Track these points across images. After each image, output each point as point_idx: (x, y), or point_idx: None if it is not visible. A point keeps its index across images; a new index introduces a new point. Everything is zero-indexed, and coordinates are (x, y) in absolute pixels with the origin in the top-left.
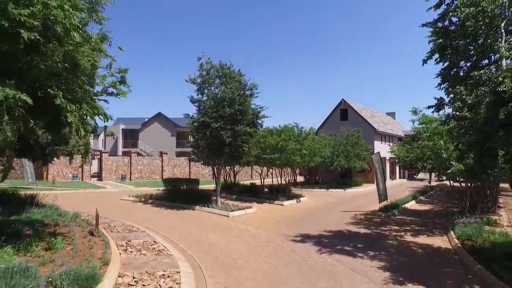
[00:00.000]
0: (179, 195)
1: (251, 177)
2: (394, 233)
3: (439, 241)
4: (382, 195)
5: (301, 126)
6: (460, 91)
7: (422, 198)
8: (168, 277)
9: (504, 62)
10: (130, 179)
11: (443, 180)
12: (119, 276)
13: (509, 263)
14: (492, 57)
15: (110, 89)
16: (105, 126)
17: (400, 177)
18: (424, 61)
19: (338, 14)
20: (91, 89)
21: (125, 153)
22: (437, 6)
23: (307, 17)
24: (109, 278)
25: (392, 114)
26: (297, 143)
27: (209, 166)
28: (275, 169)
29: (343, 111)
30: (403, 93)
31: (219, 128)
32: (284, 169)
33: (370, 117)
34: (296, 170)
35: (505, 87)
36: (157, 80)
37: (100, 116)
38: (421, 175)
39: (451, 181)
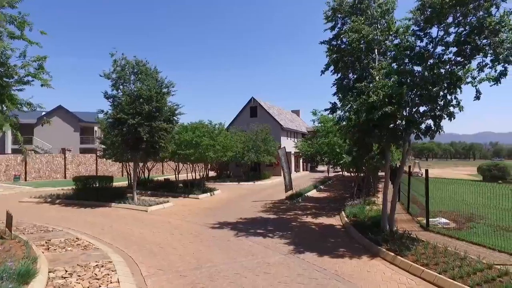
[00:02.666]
0: (92, 193)
1: (163, 173)
2: (298, 217)
3: (333, 221)
4: (288, 185)
5: (214, 123)
6: (347, 98)
7: (321, 187)
8: (102, 266)
9: (377, 78)
10: (26, 179)
11: (338, 171)
12: (49, 272)
13: (376, 229)
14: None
15: (28, 78)
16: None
17: (303, 170)
18: (322, 72)
19: (254, 18)
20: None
21: (16, 151)
22: (332, 28)
23: (225, 20)
24: (42, 273)
25: (297, 112)
26: (211, 139)
27: (118, 163)
28: (189, 164)
29: (253, 109)
30: (306, 93)
31: (136, 124)
32: (197, 164)
33: (277, 115)
34: (208, 165)
35: (373, 99)
36: (56, 70)
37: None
38: (321, 167)
39: (345, 172)
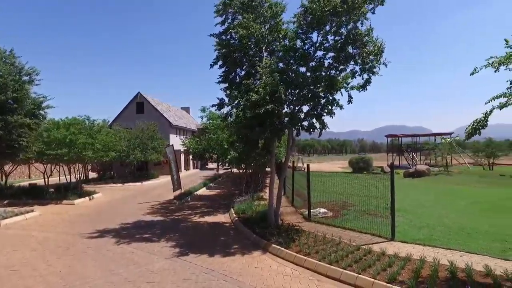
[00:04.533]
0: None
1: (30, 177)
2: (187, 217)
3: (222, 218)
4: (176, 184)
5: (93, 119)
6: (235, 94)
7: (211, 184)
8: None
9: (263, 76)
10: None
11: (228, 168)
12: None
13: (263, 224)
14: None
15: None
16: None
17: (194, 167)
18: (211, 66)
19: (149, 16)
20: None
21: None
22: (222, 22)
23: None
24: None
25: (186, 109)
26: (90, 137)
27: None
28: (63, 166)
29: (139, 104)
30: (197, 90)
31: None
32: (74, 165)
33: (166, 111)
34: (88, 166)
35: (256, 97)
36: None
37: None
38: (212, 165)
39: (235, 168)
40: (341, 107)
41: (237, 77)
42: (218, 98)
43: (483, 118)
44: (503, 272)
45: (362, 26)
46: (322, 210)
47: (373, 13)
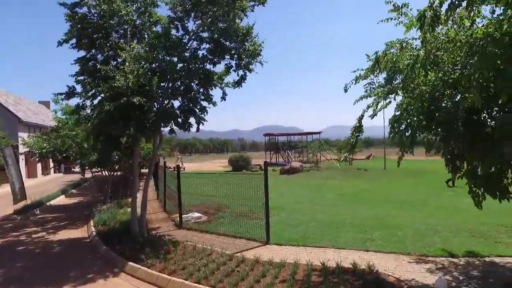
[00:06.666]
0: None
1: None
2: (31, 236)
3: (78, 233)
4: (19, 194)
5: None
6: (88, 81)
7: (73, 191)
8: None
9: (127, 63)
10: None
11: (99, 171)
12: None
13: (125, 236)
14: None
15: None
16: None
17: (56, 172)
18: (60, 43)
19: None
20: None
21: None
22: None
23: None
24: None
25: (46, 103)
26: None
27: None
28: None
29: None
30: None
31: None
32: None
33: (13, 105)
34: None
35: (118, 84)
36: None
37: None
38: (79, 169)
39: (106, 171)
40: (214, 104)
41: (95, 62)
42: (68, 86)
43: (358, 125)
44: (366, 265)
45: (241, 22)
46: (196, 214)
47: (252, 10)
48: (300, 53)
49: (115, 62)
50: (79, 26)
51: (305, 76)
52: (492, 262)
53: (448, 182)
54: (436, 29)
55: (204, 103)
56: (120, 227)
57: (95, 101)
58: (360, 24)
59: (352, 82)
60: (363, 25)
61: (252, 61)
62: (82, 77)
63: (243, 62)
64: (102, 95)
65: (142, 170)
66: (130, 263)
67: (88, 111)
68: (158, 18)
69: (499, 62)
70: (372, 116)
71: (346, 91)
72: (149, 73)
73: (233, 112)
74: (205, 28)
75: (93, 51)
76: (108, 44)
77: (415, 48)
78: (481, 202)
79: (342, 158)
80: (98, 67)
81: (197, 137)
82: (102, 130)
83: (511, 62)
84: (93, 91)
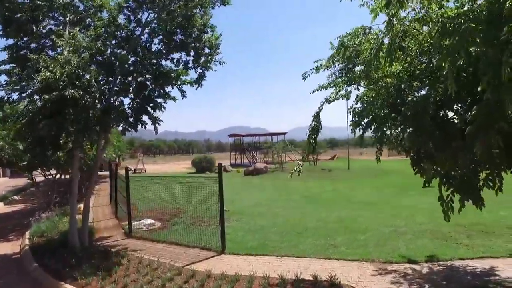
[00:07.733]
0: None
1: None
2: None
3: (9, 247)
4: None
5: None
6: (15, 72)
7: (17, 197)
8: None
9: (65, 52)
10: None
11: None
12: None
13: (63, 250)
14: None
15: None
16: None
17: (2, 175)
18: None
19: None
20: None
21: None
22: None
23: None
24: None
25: None
26: None
27: None
28: None
29: None
30: None
31: None
32: None
33: None
34: None
35: (45, 76)
36: None
37: None
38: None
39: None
40: (174, 99)
41: (28, 50)
42: None
43: (315, 125)
44: (328, 276)
45: (202, 18)
46: (149, 221)
47: (213, 8)
48: (268, 57)
49: (53, 52)
50: (3, 9)
51: (274, 79)
52: (453, 267)
53: (424, 186)
54: (402, 11)
55: (160, 100)
56: (59, 238)
57: (24, 95)
58: (329, 28)
59: (312, 71)
60: (333, 29)
61: (211, 58)
62: (8, 66)
63: (201, 59)
64: (32, 88)
65: (100, 173)
66: (61, 283)
67: (21, 107)
68: (101, 2)
69: (477, 40)
70: (329, 102)
71: (305, 79)
72: (92, 65)
73: (200, 113)
74: (161, 22)
75: (25, 39)
76: (43, 31)
77: (380, 36)
78: (449, 211)
79: (300, 163)
80: (28, 55)
81: (161, 138)
82: (32, 129)
83: (492, 43)
84: (23, 83)
